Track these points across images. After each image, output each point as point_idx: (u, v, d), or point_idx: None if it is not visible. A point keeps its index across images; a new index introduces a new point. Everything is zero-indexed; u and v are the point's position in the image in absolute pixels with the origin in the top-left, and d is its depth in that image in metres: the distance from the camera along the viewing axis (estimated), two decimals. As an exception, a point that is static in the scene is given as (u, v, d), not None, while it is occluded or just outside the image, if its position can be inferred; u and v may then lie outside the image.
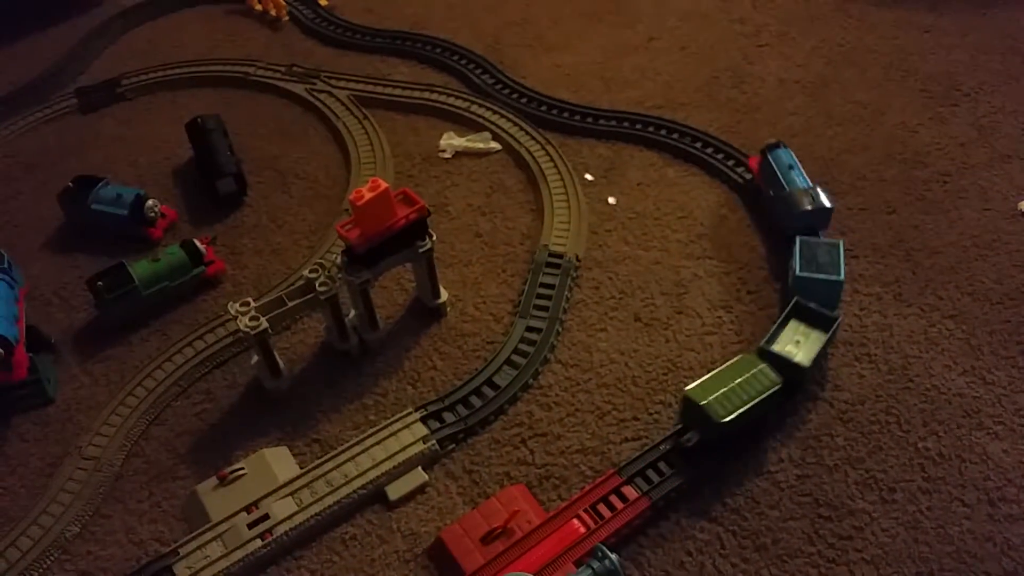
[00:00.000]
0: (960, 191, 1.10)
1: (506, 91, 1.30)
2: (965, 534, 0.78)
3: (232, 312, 0.87)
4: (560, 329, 0.97)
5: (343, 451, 0.86)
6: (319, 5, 1.49)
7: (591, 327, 0.98)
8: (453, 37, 1.40)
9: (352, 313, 0.96)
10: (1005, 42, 1.33)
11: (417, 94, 1.30)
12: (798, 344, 0.89)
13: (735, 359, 0.87)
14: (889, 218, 1.07)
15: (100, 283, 0.97)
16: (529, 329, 0.97)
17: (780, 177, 1.04)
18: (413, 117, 1.28)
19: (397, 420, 0.89)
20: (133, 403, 0.92)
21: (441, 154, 1.21)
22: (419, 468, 0.86)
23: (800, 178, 1.04)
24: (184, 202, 1.16)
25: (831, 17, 1.41)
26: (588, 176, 1.16)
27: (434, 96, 1.29)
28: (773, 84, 1.29)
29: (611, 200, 1.13)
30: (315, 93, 1.30)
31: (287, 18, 1.47)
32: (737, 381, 0.84)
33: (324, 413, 0.91)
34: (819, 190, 1.02)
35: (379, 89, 1.31)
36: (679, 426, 0.85)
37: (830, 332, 0.90)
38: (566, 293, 1.00)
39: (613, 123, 1.23)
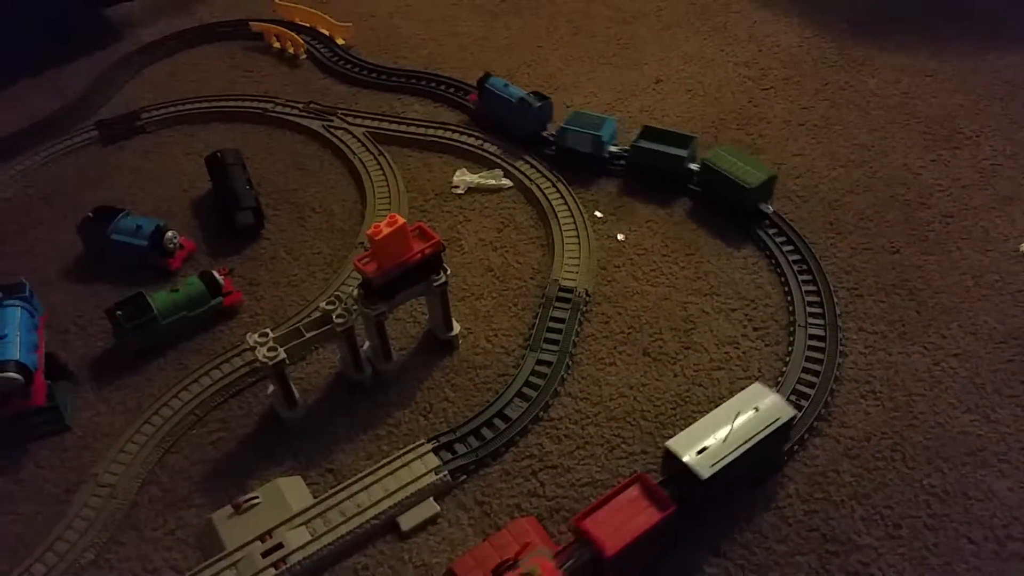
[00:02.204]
0: (962, 232, 1.12)
1: (518, 129, 1.33)
2: (972, 571, 0.79)
3: (250, 343, 0.88)
4: (570, 363, 0.99)
5: (356, 481, 0.87)
6: (336, 44, 1.52)
7: (600, 361, 0.99)
8: (466, 77, 1.43)
9: (366, 344, 0.98)
10: (1005, 87, 1.36)
11: (431, 131, 1.33)
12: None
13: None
14: (893, 258, 1.09)
15: (119, 312, 0.99)
16: (539, 362, 0.99)
17: (504, 95, 1.28)
18: (427, 154, 1.31)
19: (410, 451, 0.90)
20: (149, 431, 0.93)
21: (454, 190, 1.24)
22: (431, 499, 0.87)
23: (517, 89, 1.29)
24: (202, 233, 1.18)
25: (834, 61, 1.45)
26: (597, 213, 1.19)
27: (447, 134, 1.32)
28: (778, 125, 1.32)
29: (620, 236, 1.15)
30: (332, 129, 1.33)
31: (305, 56, 1.51)
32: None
33: (338, 443, 0.93)
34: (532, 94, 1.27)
35: (394, 126, 1.34)
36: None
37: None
38: (576, 327, 1.02)
39: (622, 162, 1.25)
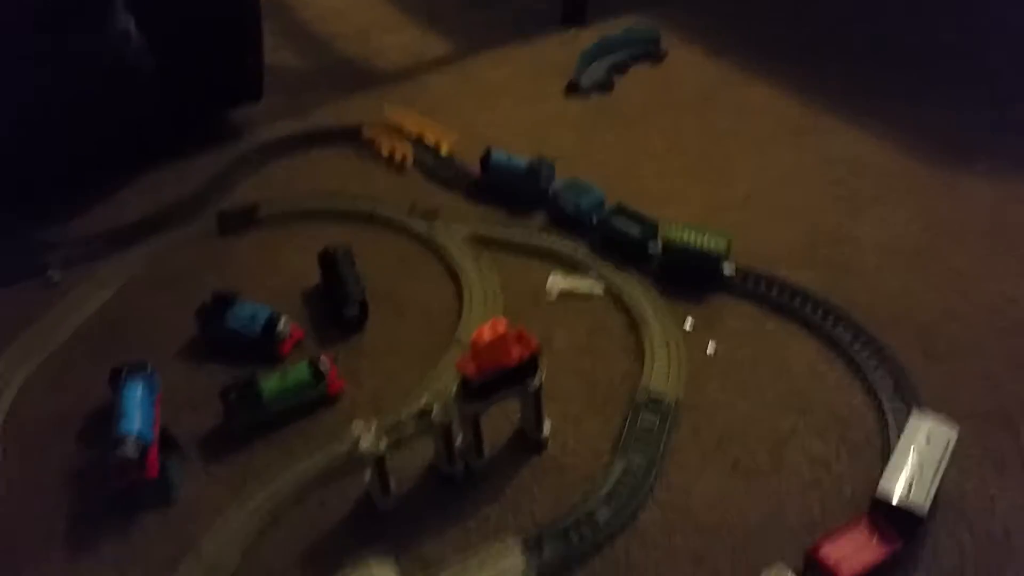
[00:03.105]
0: (1062, 364, 1.11)
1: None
2: None
3: (355, 432, 0.93)
4: (658, 471, 1.00)
5: (445, 572, 0.89)
6: (439, 154, 1.61)
7: (689, 472, 1.00)
8: (561, 187, 1.50)
9: (459, 439, 1.02)
10: (1104, 220, 1.35)
11: (529, 238, 1.39)
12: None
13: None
14: (989, 386, 1.09)
15: (232, 395, 1.05)
16: (627, 469, 1.00)
17: (512, 166, 1.47)
18: (523, 258, 1.36)
19: (498, 547, 0.92)
20: (252, 507, 0.97)
21: (547, 295, 1.29)
22: (517, 598, 0.88)
23: (521, 159, 1.47)
24: (310, 323, 1.25)
25: (928, 185, 1.47)
26: (688, 325, 1.21)
27: (544, 241, 1.38)
28: (870, 247, 1.34)
29: (710, 349, 1.17)
30: (434, 232, 1.40)
31: (411, 163, 1.60)
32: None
33: (428, 533, 0.95)
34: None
35: (494, 230, 1.40)
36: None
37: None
38: (664, 436, 1.04)
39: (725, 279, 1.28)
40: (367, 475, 0.98)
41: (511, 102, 1.82)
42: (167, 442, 1.03)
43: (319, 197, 1.51)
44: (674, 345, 1.16)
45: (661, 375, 1.12)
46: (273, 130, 1.72)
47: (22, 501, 1.02)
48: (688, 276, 1.28)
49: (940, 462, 0.93)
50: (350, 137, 1.68)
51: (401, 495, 0.99)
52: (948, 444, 0.95)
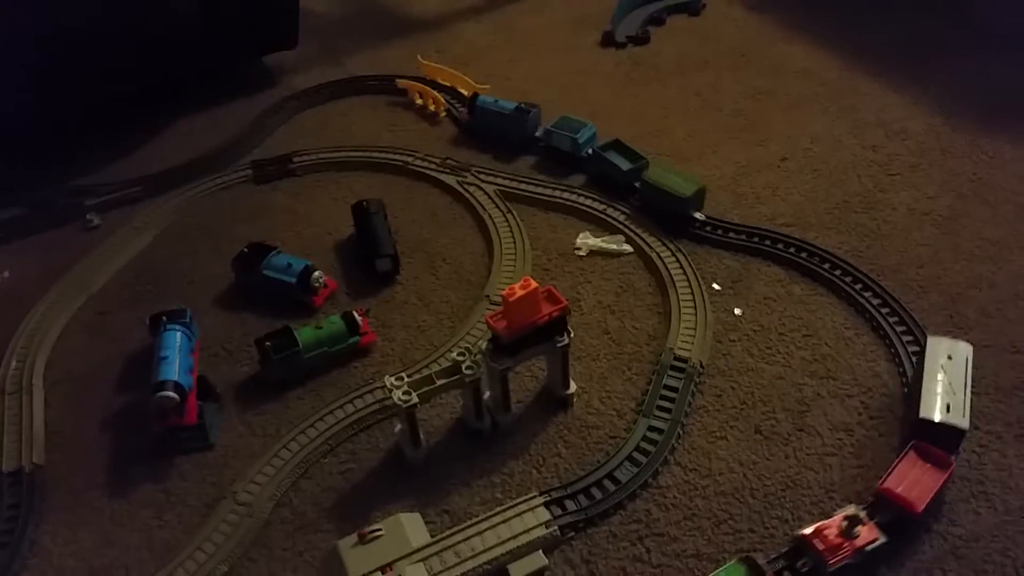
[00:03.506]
0: (1091, 338, 1.11)
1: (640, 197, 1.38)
2: None
3: (387, 385, 0.95)
4: (681, 432, 1.02)
5: (471, 525, 0.92)
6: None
7: (711, 434, 1.02)
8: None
9: (487, 395, 1.04)
10: None
11: (558, 193, 1.39)
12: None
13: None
14: (1014, 358, 1.09)
15: (268, 343, 1.08)
16: (651, 428, 1.02)
17: (498, 109, 1.50)
18: (552, 215, 1.37)
19: (522, 502, 0.95)
20: (286, 456, 1.01)
21: (576, 252, 1.30)
22: (540, 551, 0.91)
23: (508, 102, 1.51)
24: (342, 274, 1.27)
25: (964, 152, 1.45)
26: (715, 286, 1.22)
27: (573, 196, 1.38)
28: (903, 213, 1.33)
29: (737, 311, 1.18)
30: (465, 185, 1.41)
31: (444, 114, 1.60)
32: None
33: (455, 486, 0.98)
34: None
35: (523, 186, 1.41)
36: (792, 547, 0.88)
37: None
38: (689, 398, 1.05)
39: (743, 237, 1.28)
40: (397, 427, 1.01)
41: (545, 53, 1.80)
42: (205, 389, 1.07)
43: (353, 148, 1.52)
44: (701, 307, 1.17)
45: (687, 337, 1.13)
46: (307, 77, 1.73)
47: (62, 444, 1.06)
48: (661, 215, 1.33)
49: (966, 377, 0.99)
50: (384, 87, 1.68)
51: (429, 448, 1.02)
52: (967, 360, 1.01)
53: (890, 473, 0.91)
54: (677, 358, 1.10)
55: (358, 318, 1.12)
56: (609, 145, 1.42)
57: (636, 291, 1.23)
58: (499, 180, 1.43)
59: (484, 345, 1.00)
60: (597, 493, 0.96)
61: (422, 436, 1.01)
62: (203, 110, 1.66)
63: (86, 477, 1.02)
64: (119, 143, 1.57)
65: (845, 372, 1.08)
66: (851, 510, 0.88)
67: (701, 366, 1.10)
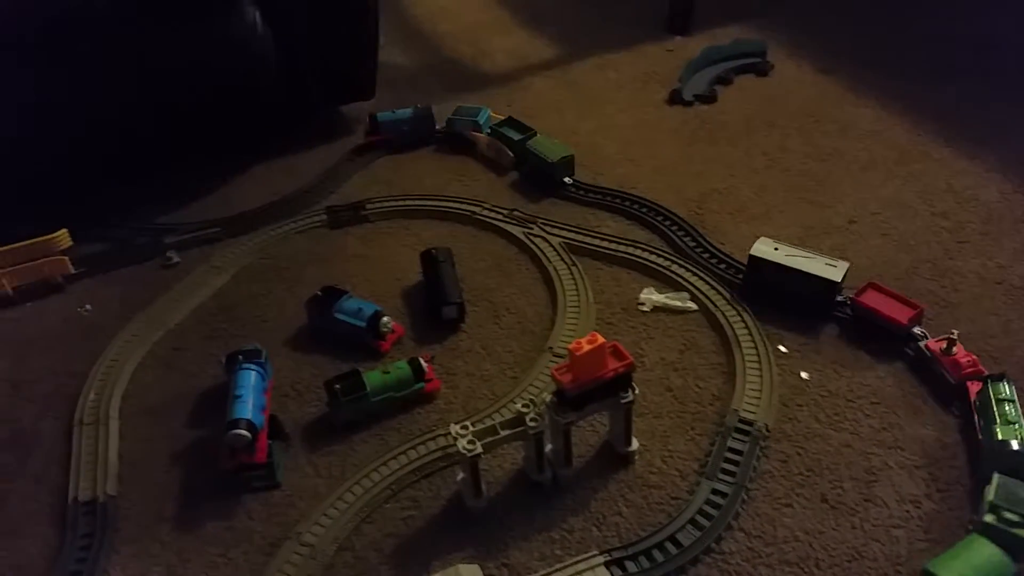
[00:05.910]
0: None
1: (706, 255, 1.38)
2: None
3: (452, 433, 0.97)
4: (745, 497, 1.01)
5: (530, 580, 0.93)
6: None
7: (776, 501, 1.01)
8: (659, 199, 1.51)
9: (549, 447, 1.04)
10: None
11: (622, 248, 1.40)
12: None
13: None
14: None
15: (337, 386, 1.11)
16: (714, 492, 1.01)
17: (399, 116, 1.73)
18: (616, 269, 1.38)
19: (582, 560, 0.95)
20: (350, 499, 1.03)
21: (640, 307, 1.30)
22: (600, 610, 0.91)
23: (405, 110, 1.71)
24: (409, 320, 1.29)
25: (1036, 222, 1.43)
26: (782, 348, 1.21)
27: (638, 252, 1.39)
28: (973, 281, 1.31)
29: (804, 375, 1.17)
30: (531, 237, 1.43)
31: (511, 167, 1.64)
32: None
33: (514, 539, 0.99)
34: None
35: (588, 239, 1.43)
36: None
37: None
38: (754, 462, 1.04)
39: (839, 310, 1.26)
40: (459, 475, 1.02)
41: (613, 109, 1.83)
42: (275, 428, 1.09)
43: (422, 196, 1.56)
44: (767, 369, 1.17)
45: (752, 398, 1.13)
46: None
47: (134, 476, 1.09)
48: (537, 179, 1.57)
49: None
50: (454, 137, 1.72)
51: (490, 498, 1.03)
52: None
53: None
54: (742, 420, 1.09)
55: (424, 364, 1.14)
56: (504, 122, 1.67)
57: (700, 349, 1.23)
58: (564, 233, 1.44)
59: (548, 398, 1.01)
60: (659, 556, 0.95)
61: (483, 486, 1.01)
62: (282, 156, 1.72)
63: (156, 510, 1.05)
64: (201, 186, 1.63)
65: (914, 443, 1.06)
66: None
67: (767, 429, 1.09)
